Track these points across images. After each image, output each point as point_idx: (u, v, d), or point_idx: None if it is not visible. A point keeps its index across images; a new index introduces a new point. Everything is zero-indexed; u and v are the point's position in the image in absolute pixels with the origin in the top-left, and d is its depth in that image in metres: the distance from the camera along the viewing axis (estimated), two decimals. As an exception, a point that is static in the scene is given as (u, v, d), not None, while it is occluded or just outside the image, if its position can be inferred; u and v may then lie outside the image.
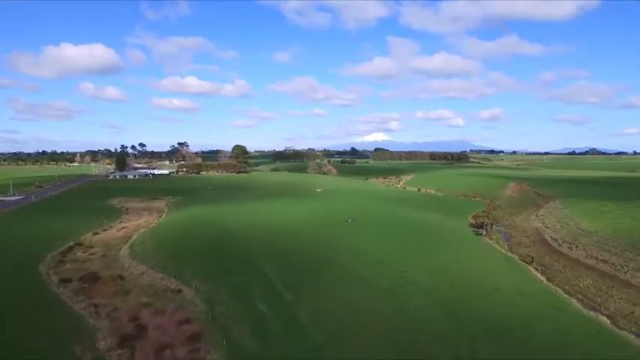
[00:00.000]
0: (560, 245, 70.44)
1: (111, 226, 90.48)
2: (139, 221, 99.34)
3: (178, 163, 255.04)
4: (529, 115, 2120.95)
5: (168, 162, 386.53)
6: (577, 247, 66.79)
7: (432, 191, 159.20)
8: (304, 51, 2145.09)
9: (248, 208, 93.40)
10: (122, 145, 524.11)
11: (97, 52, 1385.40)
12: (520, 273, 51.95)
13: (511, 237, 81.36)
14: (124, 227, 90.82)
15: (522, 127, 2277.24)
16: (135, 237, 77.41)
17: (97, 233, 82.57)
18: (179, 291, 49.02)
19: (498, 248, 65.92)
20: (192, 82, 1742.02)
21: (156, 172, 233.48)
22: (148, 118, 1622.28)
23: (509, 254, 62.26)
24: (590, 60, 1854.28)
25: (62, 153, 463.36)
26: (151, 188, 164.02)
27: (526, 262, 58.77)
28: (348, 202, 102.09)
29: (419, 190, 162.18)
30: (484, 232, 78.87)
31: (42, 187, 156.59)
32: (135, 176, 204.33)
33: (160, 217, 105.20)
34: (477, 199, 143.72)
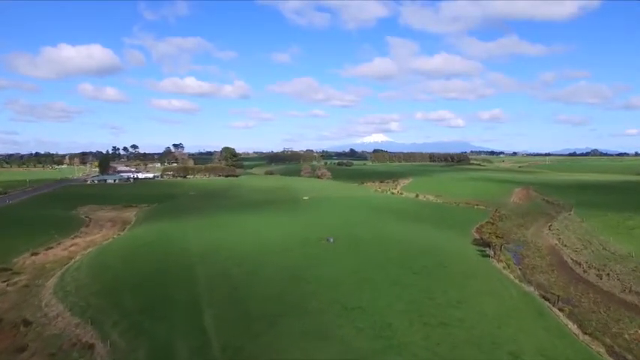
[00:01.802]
0: (585, 272, 57.97)
1: (59, 244, 78.15)
2: (96, 236, 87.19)
3: (163, 167, 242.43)
4: (529, 115, 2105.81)
5: (159, 164, 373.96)
6: (608, 275, 54.30)
7: (431, 197, 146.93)
8: (303, 51, 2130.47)
9: (219, 223, 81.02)
10: (114, 147, 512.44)
11: (96, 53, 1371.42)
12: (543, 319, 39.49)
13: (523, 258, 68.96)
14: (73, 245, 78.54)
15: (522, 127, 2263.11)
16: (77, 259, 65.25)
17: (37, 253, 70.05)
18: (90, 347, 36.67)
19: (511, 277, 53.43)
20: (191, 83, 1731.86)
21: (140, 175, 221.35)
22: (148, 119, 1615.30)
23: (526, 287, 49.71)
24: (590, 60, 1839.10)
25: (51, 155, 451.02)
26: (128, 194, 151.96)
27: (547, 299, 46.33)
28: (335, 213, 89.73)
29: (417, 196, 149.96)
30: (492, 253, 66.47)
31: (7, 193, 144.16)
32: (115, 180, 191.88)
33: (123, 230, 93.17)
34: (480, 206, 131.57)
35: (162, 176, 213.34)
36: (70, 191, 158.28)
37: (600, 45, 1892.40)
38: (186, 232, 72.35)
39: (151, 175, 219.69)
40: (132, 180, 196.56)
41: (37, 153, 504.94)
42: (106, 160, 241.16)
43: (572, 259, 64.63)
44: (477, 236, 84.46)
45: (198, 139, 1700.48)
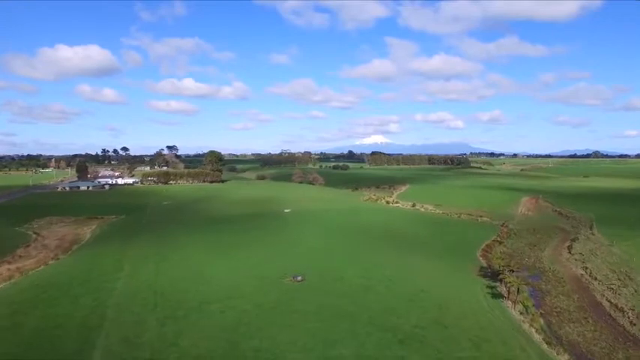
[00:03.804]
0: (634, 324, 43.67)
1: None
2: (29, 262, 72.34)
3: (144, 172, 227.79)
4: (529, 116, 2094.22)
5: (148, 168, 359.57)
6: (669, 335, 40.07)
7: (430, 207, 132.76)
8: (302, 52, 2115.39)
9: (168, 250, 66.64)
10: (103, 149, 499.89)
11: (93, 54, 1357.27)
12: None
13: (544, 295, 54.71)
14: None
15: (522, 129, 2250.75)
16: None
17: None
18: None
19: (535, 336, 39.22)
20: (189, 84, 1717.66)
21: (120, 181, 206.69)
22: (146, 120, 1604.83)
23: (559, 356, 35.50)
24: (591, 61, 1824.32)
25: (37, 157, 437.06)
26: (97, 204, 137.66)
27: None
28: (314, 235, 75.43)
29: (414, 205, 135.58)
30: (504, 290, 52.25)
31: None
32: (88, 187, 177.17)
33: (66, 253, 78.68)
34: (484, 218, 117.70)
35: (142, 182, 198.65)
36: (31, 201, 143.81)
37: (601, 45, 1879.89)
38: (121, 265, 58.10)
39: (130, 181, 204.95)
40: (107, 187, 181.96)
41: (29, 155, 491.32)
42: (83, 165, 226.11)
43: (609, 300, 50.40)
44: (484, 262, 70.32)
45: (198, 141, 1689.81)
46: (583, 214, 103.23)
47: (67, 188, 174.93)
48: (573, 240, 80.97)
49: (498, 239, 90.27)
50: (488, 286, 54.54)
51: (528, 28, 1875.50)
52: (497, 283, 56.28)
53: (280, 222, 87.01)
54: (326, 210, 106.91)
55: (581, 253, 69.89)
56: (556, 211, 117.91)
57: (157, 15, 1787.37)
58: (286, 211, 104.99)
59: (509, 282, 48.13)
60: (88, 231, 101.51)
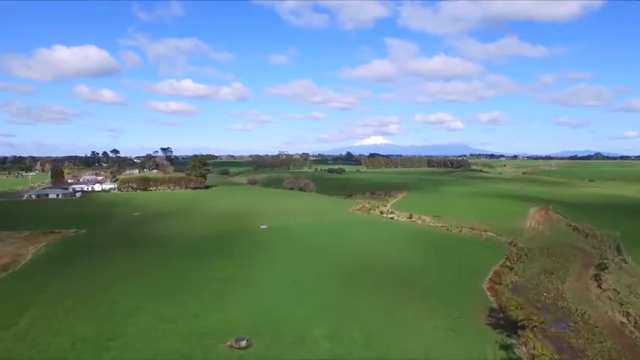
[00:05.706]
0: None
1: None
2: None
3: (122, 177, 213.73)
4: (529, 117, 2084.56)
5: (137, 171, 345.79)
6: None
7: (428, 219, 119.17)
8: (301, 53, 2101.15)
9: (95, 291, 52.99)
10: (93, 152, 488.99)
11: (91, 54, 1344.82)
12: None
13: (578, 358, 40.87)
14: None
15: (522, 130, 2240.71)
16: None
17: None
18: None
19: None
20: (188, 85, 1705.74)
21: (97, 187, 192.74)
22: (147, 121, 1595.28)
23: None
24: (591, 62, 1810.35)
25: (22, 159, 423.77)
26: (61, 214, 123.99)
27: None
28: (283, 265, 61.52)
29: (410, 217, 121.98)
30: (523, 352, 38.50)
31: None
32: (58, 195, 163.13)
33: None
34: (489, 233, 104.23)
35: (120, 189, 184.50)
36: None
37: (601, 46, 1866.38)
38: (24, 313, 44.39)
39: (107, 187, 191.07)
40: (79, 194, 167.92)
41: (20, 157, 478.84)
42: (58, 169, 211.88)
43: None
44: (493, 299, 56.48)
45: (197, 142, 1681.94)
46: (604, 231, 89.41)
47: (34, 196, 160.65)
48: (600, 267, 67.11)
49: (508, 263, 76.62)
50: (501, 345, 40.77)
51: (528, 29, 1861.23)
52: (513, 338, 42.65)
53: (249, 246, 73.01)
54: (308, 226, 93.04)
55: (615, 290, 56.02)
56: (570, 225, 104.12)
57: (154, 15, 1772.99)
58: (262, 227, 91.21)
59: (539, 355, 34.18)
60: (32, 251, 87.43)
